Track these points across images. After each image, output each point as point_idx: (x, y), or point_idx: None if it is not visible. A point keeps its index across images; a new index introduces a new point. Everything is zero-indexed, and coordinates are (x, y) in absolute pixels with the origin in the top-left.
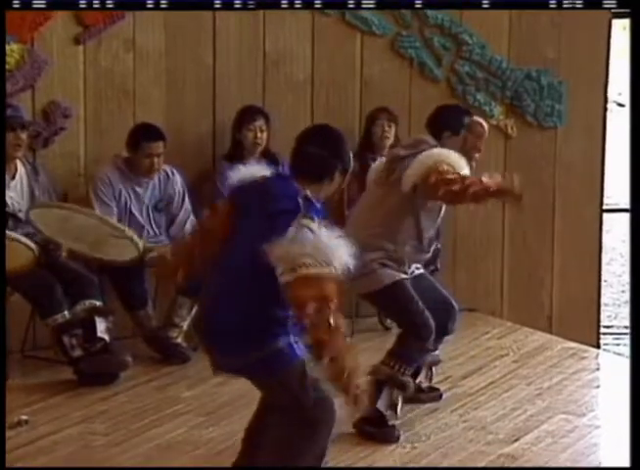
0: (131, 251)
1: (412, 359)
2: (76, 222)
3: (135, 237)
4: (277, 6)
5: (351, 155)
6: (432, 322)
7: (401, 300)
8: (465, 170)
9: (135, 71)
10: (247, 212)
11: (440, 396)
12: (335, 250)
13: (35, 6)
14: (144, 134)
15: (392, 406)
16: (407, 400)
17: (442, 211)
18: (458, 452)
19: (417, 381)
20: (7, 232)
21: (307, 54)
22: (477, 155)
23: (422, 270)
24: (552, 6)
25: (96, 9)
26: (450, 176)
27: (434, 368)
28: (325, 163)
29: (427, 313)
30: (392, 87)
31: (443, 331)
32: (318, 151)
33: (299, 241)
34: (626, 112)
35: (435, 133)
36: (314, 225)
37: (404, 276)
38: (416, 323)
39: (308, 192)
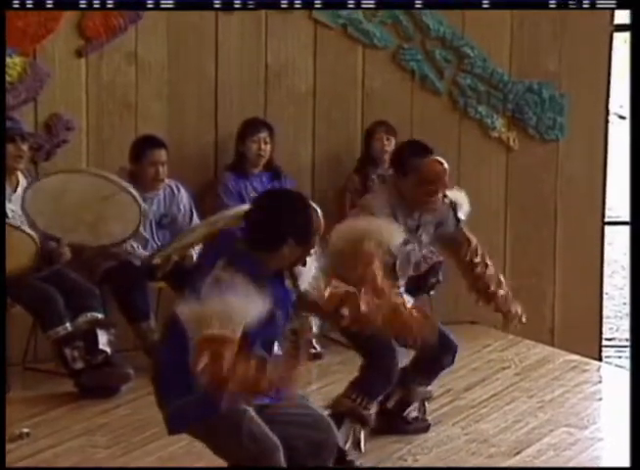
0: (134, 214)
1: (375, 392)
2: (72, 196)
3: (132, 189)
4: (277, 6)
5: (311, 223)
6: (398, 358)
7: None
8: (396, 241)
9: (137, 84)
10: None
11: (428, 426)
12: (244, 310)
13: (35, 6)
14: (146, 143)
15: (356, 442)
16: (392, 430)
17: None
18: (460, 465)
19: (406, 413)
20: (9, 221)
21: (309, 66)
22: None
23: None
24: (552, 6)
25: (96, 9)
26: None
27: (426, 403)
28: (271, 231)
29: (395, 348)
30: (394, 100)
31: (439, 367)
32: (267, 218)
33: (208, 299)
34: (628, 124)
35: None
36: (234, 278)
37: None
38: (381, 355)
39: (244, 247)
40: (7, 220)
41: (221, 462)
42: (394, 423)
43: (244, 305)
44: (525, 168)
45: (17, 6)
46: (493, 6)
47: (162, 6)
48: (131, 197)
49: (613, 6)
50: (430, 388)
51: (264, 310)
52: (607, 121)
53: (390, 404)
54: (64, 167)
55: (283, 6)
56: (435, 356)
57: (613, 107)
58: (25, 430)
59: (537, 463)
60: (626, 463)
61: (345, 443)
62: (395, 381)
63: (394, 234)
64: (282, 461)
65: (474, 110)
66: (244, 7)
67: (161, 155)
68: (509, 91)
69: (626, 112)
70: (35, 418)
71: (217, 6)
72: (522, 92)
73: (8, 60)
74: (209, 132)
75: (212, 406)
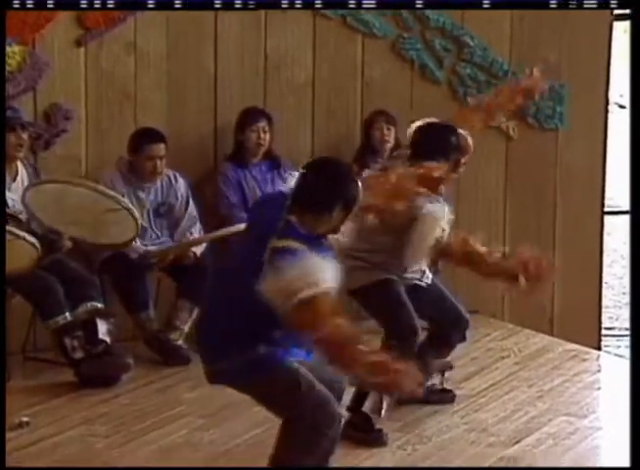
0: (131, 225)
1: None
2: (72, 200)
3: (131, 206)
4: (277, 6)
5: (358, 193)
6: (418, 326)
7: (389, 298)
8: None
9: (136, 74)
10: (250, 229)
11: (453, 397)
12: (321, 268)
13: (35, 6)
14: (145, 137)
15: (376, 409)
16: (419, 402)
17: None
18: (459, 454)
19: (429, 383)
20: (11, 229)
21: (308, 56)
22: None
23: (429, 279)
24: (552, 6)
25: (97, 9)
26: None
27: (446, 373)
28: (323, 196)
29: (414, 316)
30: (394, 89)
31: (451, 342)
32: (320, 183)
33: (285, 269)
34: (628, 113)
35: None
36: (294, 244)
37: (394, 277)
38: (401, 324)
39: (294, 218)
40: (9, 227)
41: (220, 451)
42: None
43: (320, 264)
44: (524, 157)
45: (17, 6)
46: (493, 6)
47: (162, 6)
48: (128, 213)
49: (613, 6)
50: (448, 359)
51: (335, 271)
52: (606, 111)
53: None
54: (61, 178)
55: (283, 6)
56: (447, 332)
57: (612, 96)
58: (25, 419)
59: (536, 452)
60: (626, 454)
61: (373, 412)
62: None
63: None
64: (337, 410)
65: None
66: (244, 7)
67: (160, 149)
68: (509, 81)
69: (626, 101)
70: (35, 407)
71: (218, 6)
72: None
73: (7, 49)
74: (209, 122)
75: (276, 363)
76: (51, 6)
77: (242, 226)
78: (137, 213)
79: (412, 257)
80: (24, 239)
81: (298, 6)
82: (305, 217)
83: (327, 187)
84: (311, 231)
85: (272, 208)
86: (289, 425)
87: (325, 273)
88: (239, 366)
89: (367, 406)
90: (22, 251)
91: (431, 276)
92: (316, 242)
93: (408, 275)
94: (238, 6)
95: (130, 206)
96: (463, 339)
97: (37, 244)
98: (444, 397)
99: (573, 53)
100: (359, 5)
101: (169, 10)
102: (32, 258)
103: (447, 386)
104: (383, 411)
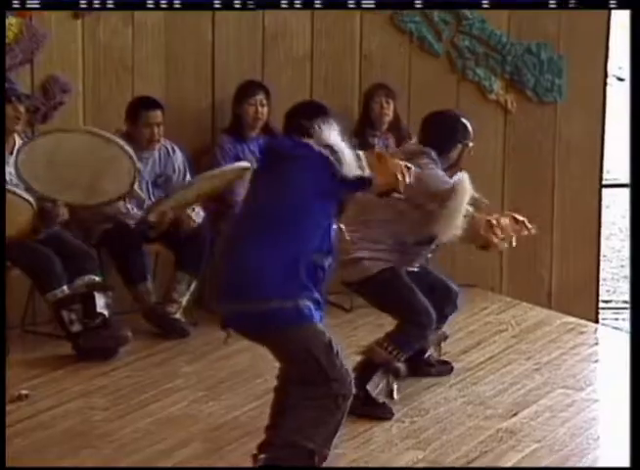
0: (129, 171)
1: (410, 347)
2: (65, 155)
3: (128, 147)
4: (277, 6)
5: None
6: (432, 310)
7: (399, 286)
8: None
9: (134, 46)
10: (271, 166)
11: (451, 369)
12: None
13: (35, 6)
14: (142, 104)
15: (389, 392)
16: (416, 374)
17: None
18: (457, 427)
19: (426, 355)
20: (8, 187)
21: (307, 29)
22: None
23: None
24: (552, 6)
25: (97, 9)
26: None
27: (442, 343)
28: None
29: (425, 299)
30: (392, 62)
31: (444, 315)
32: (305, 125)
33: None
34: (627, 86)
35: (439, 145)
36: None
37: (395, 264)
38: (416, 310)
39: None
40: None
41: (218, 423)
42: (416, 367)
43: None
44: (522, 131)
45: (17, 6)
46: (494, 6)
47: (163, 6)
48: (124, 153)
49: (613, 6)
50: (443, 330)
51: None
52: (605, 83)
53: None
54: (54, 127)
55: (283, 5)
56: (439, 305)
57: (611, 69)
58: (24, 392)
59: (534, 425)
60: (623, 425)
61: (374, 390)
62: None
63: None
64: (352, 385)
65: (472, 72)
66: (244, 7)
67: (157, 116)
68: (507, 53)
69: (625, 73)
70: (34, 380)
71: (217, 6)
72: (520, 54)
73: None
74: (207, 95)
75: (311, 317)
76: (50, 6)
77: (235, 166)
78: (132, 152)
79: (447, 227)
80: (20, 196)
81: (298, 6)
82: None
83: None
84: None
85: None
86: (307, 388)
87: None
88: (275, 309)
89: (379, 390)
90: (19, 209)
91: None
92: None
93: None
94: (237, 6)
95: (126, 146)
96: (455, 308)
97: (33, 201)
98: (442, 369)
99: (572, 25)
100: (359, 5)
101: (169, 10)
102: (29, 218)
103: (445, 358)
104: (394, 393)
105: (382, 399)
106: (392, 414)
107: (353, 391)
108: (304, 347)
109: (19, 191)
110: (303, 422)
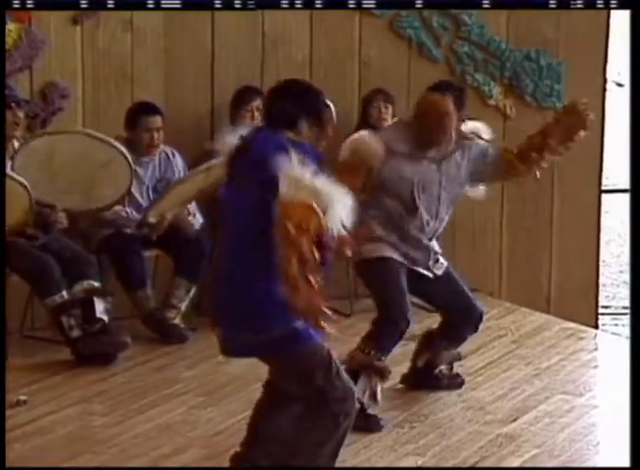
0: (126, 174)
1: (385, 345)
2: (62, 159)
3: (123, 148)
4: (277, 6)
5: (327, 114)
6: (407, 312)
7: (383, 277)
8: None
9: (133, 52)
10: (241, 181)
11: (462, 382)
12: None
13: (36, 6)
14: (141, 110)
15: (372, 395)
16: (427, 387)
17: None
18: (456, 432)
19: (436, 371)
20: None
21: (306, 34)
22: None
23: (443, 267)
24: (552, 6)
25: (96, 9)
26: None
27: (454, 363)
28: (286, 113)
29: (407, 304)
30: (391, 67)
31: (462, 335)
32: (280, 102)
33: (308, 174)
34: (626, 91)
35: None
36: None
37: (398, 257)
38: (389, 306)
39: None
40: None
41: (217, 429)
42: (425, 380)
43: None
44: (521, 136)
45: (17, 6)
46: (494, 6)
47: (163, 6)
48: (119, 154)
49: (613, 6)
50: (457, 350)
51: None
52: (604, 89)
53: (420, 364)
54: (50, 129)
55: (284, 5)
56: (458, 324)
57: (610, 74)
58: (23, 397)
59: (534, 430)
60: (622, 430)
61: (363, 395)
62: (421, 340)
63: (379, 151)
64: (355, 403)
65: (471, 77)
66: (244, 7)
67: (157, 121)
68: (506, 59)
69: (624, 79)
70: (33, 386)
71: (218, 6)
72: (519, 60)
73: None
74: (206, 101)
75: (312, 337)
76: (50, 6)
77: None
78: (126, 152)
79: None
80: (13, 178)
81: (299, 6)
82: (284, 133)
83: (290, 104)
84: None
85: (245, 161)
86: (311, 408)
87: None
88: (276, 337)
89: (365, 394)
90: (15, 197)
91: (445, 264)
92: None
93: (417, 255)
94: (238, 6)
95: (122, 148)
96: (475, 331)
97: (27, 185)
98: (453, 382)
99: (571, 31)
100: (359, 5)
101: (169, 10)
102: (25, 207)
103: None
104: (378, 397)
105: (371, 410)
106: (382, 427)
107: (357, 406)
108: (304, 369)
109: (13, 174)
110: (307, 443)
